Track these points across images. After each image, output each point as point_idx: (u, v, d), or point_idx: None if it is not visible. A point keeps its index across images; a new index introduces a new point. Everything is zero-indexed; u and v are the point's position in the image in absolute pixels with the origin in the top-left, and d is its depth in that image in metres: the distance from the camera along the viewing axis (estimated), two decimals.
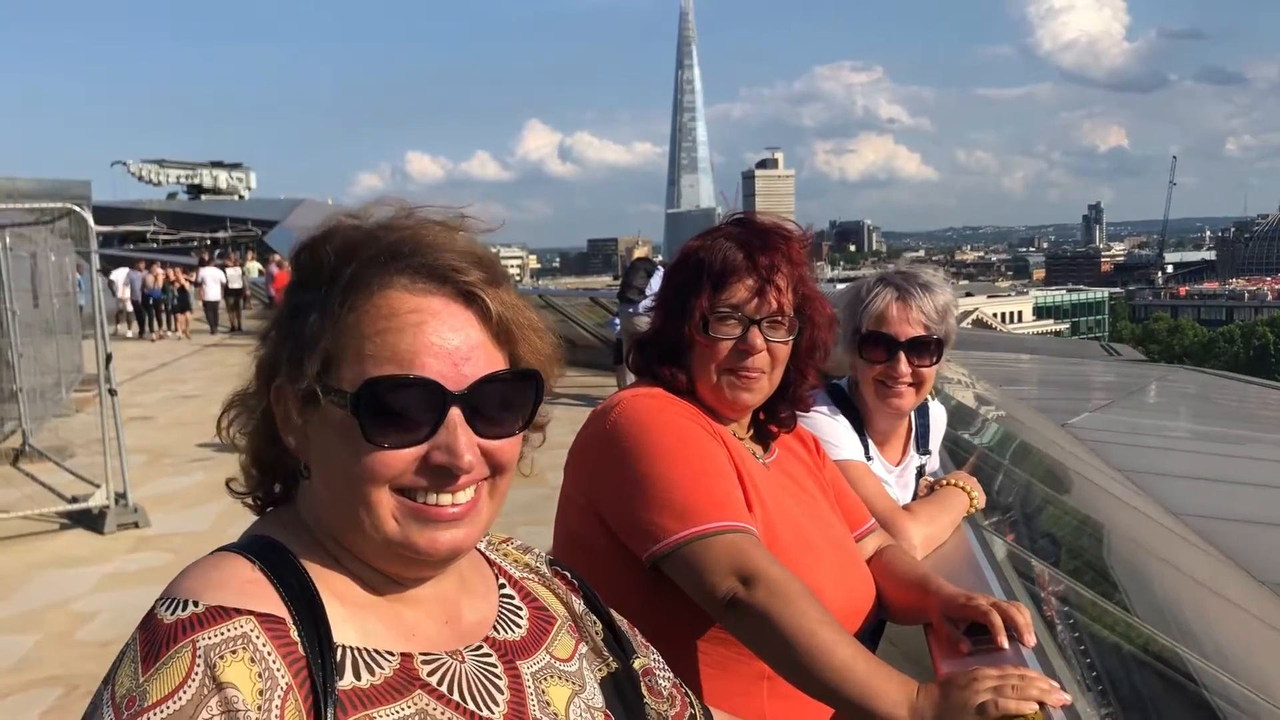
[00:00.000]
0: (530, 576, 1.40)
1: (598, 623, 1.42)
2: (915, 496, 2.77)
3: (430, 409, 1.09)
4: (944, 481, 2.72)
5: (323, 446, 1.12)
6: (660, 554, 1.79)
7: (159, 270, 29.77)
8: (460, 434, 1.10)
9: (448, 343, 1.10)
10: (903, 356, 2.58)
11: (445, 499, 1.12)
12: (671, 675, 1.50)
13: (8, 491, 10.06)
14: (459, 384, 1.10)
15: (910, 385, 2.61)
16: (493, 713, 1.15)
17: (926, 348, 2.60)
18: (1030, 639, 1.70)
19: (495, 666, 1.21)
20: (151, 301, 28.83)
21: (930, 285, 2.62)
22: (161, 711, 0.95)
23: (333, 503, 1.13)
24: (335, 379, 1.09)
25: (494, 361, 1.13)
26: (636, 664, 1.42)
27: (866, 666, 1.59)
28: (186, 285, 30.17)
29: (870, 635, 2.06)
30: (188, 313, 29.33)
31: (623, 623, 1.47)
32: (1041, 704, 1.45)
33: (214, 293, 29.37)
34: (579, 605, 1.41)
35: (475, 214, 1.20)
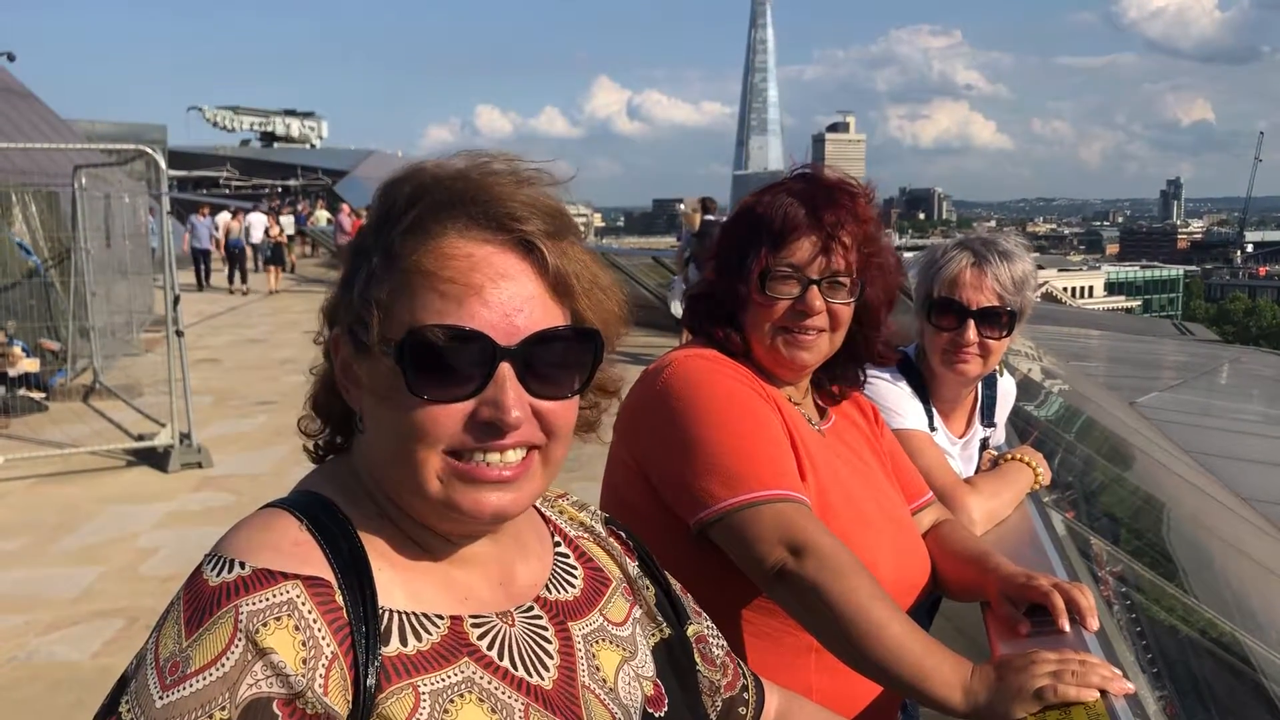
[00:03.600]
0: (585, 535, 1.37)
1: (651, 586, 1.37)
2: (978, 470, 2.70)
3: (479, 363, 1.04)
4: (1009, 456, 2.63)
5: (374, 398, 1.08)
6: (708, 520, 1.75)
7: (243, 217, 27.86)
8: (509, 389, 1.04)
9: (500, 293, 1.04)
10: (972, 325, 2.48)
11: (494, 458, 1.06)
12: (724, 643, 1.47)
13: (78, 427, 10.32)
14: (510, 338, 1.04)
15: (978, 354, 2.52)
16: (542, 679, 1.13)
17: (998, 319, 2.49)
18: (1093, 623, 1.64)
19: (546, 629, 1.17)
20: (238, 251, 26.17)
21: (1009, 254, 2.50)
22: (205, 678, 0.94)
23: (382, 458, 1.10)
24: (387, 327, 1.04)
25: (551, 317, 1.08)
26: (690, 630, 1.39)
27: (919, 645, 1.54)
28: (283, 238, 28.48)
29: (926, 611, 2.01)
30: (280, 266, 26.78)
31: (676, 586, 1.43)
32: (1103, 692, 1.39)
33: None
34: (633, 568, 1.37)
35: (548, 169, 1.14)
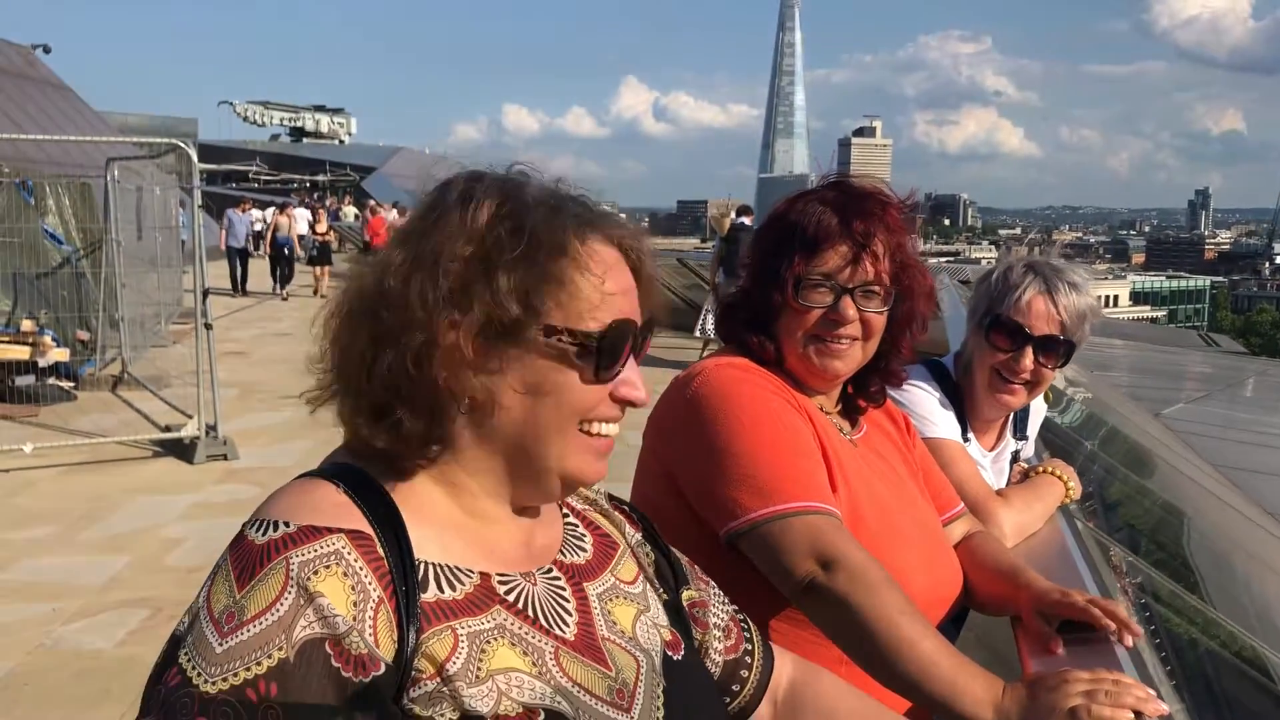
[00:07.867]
0: (589, 508, 1.44)
1: (652, 554, 1.45)
2: (1009, 483, 2.69)
3: (627, 346, 1.19)
4: (1040, 469, 2.63)
5: (521, 383, 1.15)
6: (737, 531, 1.75)
7: (293, 213, 25.36)
8: (636, 369, 1.21)
9: (629, 289, 1.21)
10: (1029, 351, 2.48)
11: (612, 429, 1.21)
12: (731, 610, 1.51)
13: (106, 416, 10.41)
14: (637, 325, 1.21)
15: (1027, 383, 2.52)
16: (564, 632, 1.19)
17: (1056, 348, 2.49)
18: (1128, 640, 1.64)
19: (564, 589, 1.25)
20: (288, 252, 23.29)
21: (1078, 285, 2.51)
22: (261, 623, 0.99)
23: (520, 437, 1.17)
24: (552, 317, 1.14)
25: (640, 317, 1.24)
26: (685, 595, 1.45)
27: (950, 662, 1.53)
28: (331, 235, 25.87)
29: (952, 623, 2.00)
30: (328, 265, 23.48)
31: (683, 560, 1.50)
32: (1138, 713, 1.39)
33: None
34: (635, 536, 1.45)
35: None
